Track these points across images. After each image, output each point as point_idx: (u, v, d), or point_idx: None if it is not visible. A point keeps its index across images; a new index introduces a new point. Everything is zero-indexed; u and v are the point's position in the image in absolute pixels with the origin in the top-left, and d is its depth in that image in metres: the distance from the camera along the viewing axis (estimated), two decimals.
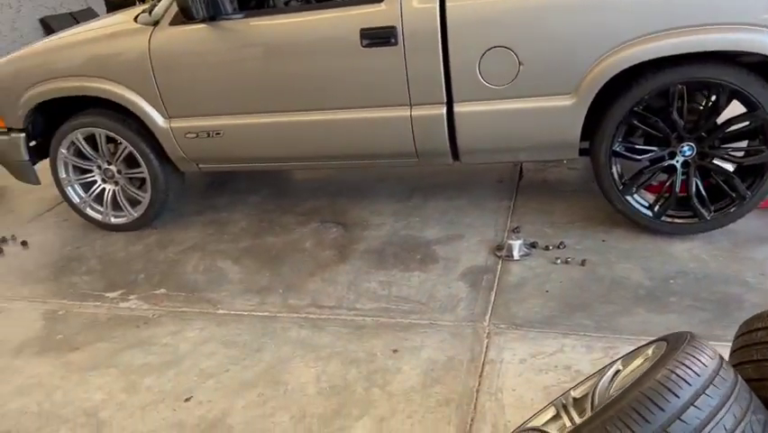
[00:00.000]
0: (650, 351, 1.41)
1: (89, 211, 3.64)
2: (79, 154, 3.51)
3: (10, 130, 3.54)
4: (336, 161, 3.22)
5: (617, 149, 2.74)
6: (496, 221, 3.24)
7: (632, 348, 1.61)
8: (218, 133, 3.18)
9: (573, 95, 2.66)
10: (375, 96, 2.88)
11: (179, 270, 3.17)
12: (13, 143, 3.53)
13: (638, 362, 1.42)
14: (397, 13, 2.70)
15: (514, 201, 3.44)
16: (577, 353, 2.24)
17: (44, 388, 2.41)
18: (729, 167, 2.71)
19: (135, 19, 3.25)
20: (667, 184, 2.77)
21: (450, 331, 2.44)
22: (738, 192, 2.68)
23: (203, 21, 2.95)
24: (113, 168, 3.50)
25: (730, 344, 1.64)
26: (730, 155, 2.70)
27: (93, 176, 3.57)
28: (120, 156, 3.44)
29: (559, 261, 2.81)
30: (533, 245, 2.94)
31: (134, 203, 3.56)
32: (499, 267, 2.83)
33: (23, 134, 3.50)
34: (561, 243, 2.93)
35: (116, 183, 3.55)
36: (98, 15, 7.51)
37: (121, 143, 3.38)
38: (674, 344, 1.28)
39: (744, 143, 2.71)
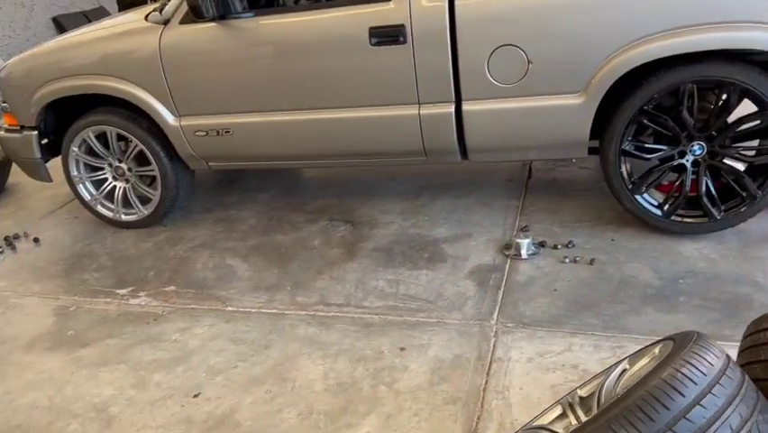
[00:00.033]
0: (657, 350, 1.41)
1: (100, 208, 3.67)
2: (91, 152, 3.54)
3: (23, 128, 3.58)
4: (345, 160, 3.23)
5: (627, 148, 2.73)
6: (504, 220, 3.24)
7: (640, 348, 1.61)
8: (228, 132, 3.20)
9: (582, 93, 2.65)
10: (384, 94, 2.88)
11: (189, 267, 3.19)
12: (26, 141, 3.57)
13: (645, 361, 1.42)
14: (406, 12, 2.70)
15: (523, 200, 3.43)
16: (584, 352, 2.24)
17: (55, 383, 2.44)
18: (740, 166, 2.69)
19: (146, 18, 3.27)
20: (677, 183, 2.76)
21: (457, 329, 2.44)
22: (749, 191, 2.66)
23: (213, 19, 2.97)
24: (123, 166, 3.53)
25: (739, 344, 1.63)
26: (741, 154, 2.68)
27: (104, 174, 3.61)
28: (131, 154, 3.46)
29: (567, 260, 2.80)
30: (541, 244, 2.94)
31: (145, 200, 3.58)
32: (507, 266, 2.83)
33: (36, 132, 3.54)
34: (569, 242, 2.92)
35: (127, 181, 3.57)
36: (110, 14, 7.55)
37: (131, 141, 3.41)
38: (681, 343, 1.28)
39: (755, 142, 2.69)
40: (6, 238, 3.73)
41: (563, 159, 3.71)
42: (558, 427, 1.53)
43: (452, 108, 2.82)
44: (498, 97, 2.75)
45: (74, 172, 3.60)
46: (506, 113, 2.77)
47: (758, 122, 2.57)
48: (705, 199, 2.70)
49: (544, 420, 1.59)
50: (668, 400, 1.11)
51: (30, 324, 2.87)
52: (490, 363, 2.24)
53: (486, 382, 2.15)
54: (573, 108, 2.68)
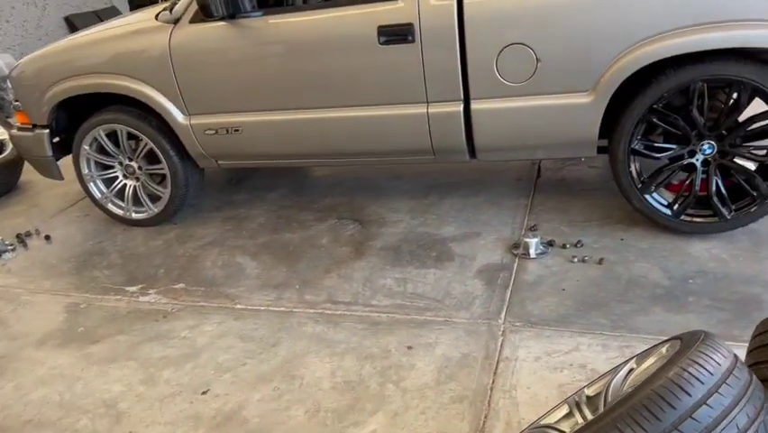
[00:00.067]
0: (664, 349, 1.40)
1: (111, 206, 3.70)
2: (101, 150, 3.57)
3: (35, 126, 3.61)
4: (353, 159, 3.24)
5: (636, 147, 2.72)
6: (513, 219, 3.23)
7: (648, 347, 1.60)
8: (237, 130, 3.21)
9: (592, 92, 2.64)
10: (392, 93, 2.88)
11: (198, 265, 3.21)
12: (38, 140, 3.60)
13: (652, 360, 1.41)
14: (415, 11, 2.70)
15: (531, 199, 3.42)
16: (592, 351, 2.23)
17: (65, 379, 2.46)
18: (751, 165, 2.68)
19: (156, 17, 3.29)
20: (687, 183, 2.74)
21: (465, 328, 2.44)
22: (760, 191, 2.64)
23: (222, 19, 2.98)
24: (134, 164, 3.55)
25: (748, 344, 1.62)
26: (752, 153, 2.66)
27: (114, 172, 3.63)
28: (141, 152, 3.49)
29: (576, 259, 2.79)
30: (550, 244, 2.93)
31: (155, 199, 3.61)
32: (516, 265, 2.82)
33: (47, 131, 3.57)
34: (578, 241, 2.91)
35: (137, 179, 3.60)
36: (121, 13, 7.60)
37: (142, 140, 3.43)
38: (688, 342, 1.27)
39: (766, 142, 2.67)
40: (18, 236, 3.76)
41: (572, 158, 3.70)
42: (564, 426, 1.53)
43: (460, 107, 2.82)
44: (507, 96, 2.74)
45: (85, 171, 3.63)
46: (514, 112, 2.76)
47: None
48: (715, 199, 2.69)
49: (551, 419, 1.59)
50: (674, 400, 1.11)
51: (41, 321, 2.89)
52: (498, 362, 2.24)
53: (493, 381, 2.15)
54: (582, 107, 2.67)
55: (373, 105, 2.94)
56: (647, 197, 2.80)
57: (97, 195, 3.68)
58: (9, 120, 4.70)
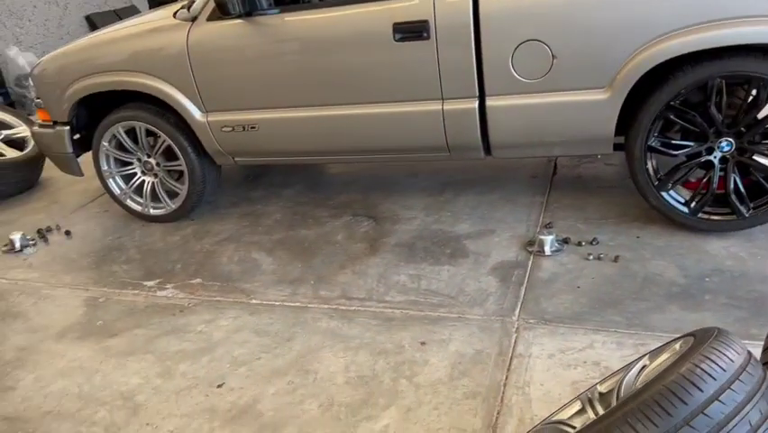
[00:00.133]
0: (677, 346, 1.39)
1: (129, 202, 3.75)
2: (120, 147, 3.62)
3: (55, 123, 3.67)
4: (368, 155, 3.25)
5: (653, 144, 2.70)
6: (528, 216, 3.22)
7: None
8: (253, 127, 3.24)
9: (608, 89, 2.62)
10: (407, 90, 2.89)
11: (215, 260, 3.24)
12: (58, 136, 3.66)
13: (665, 357, 1.41)
14: (430, 7, 2.70)
15: (547, 197, 3.41)
16: (607, 349, 2.22)
17: (84, 371, 2.51)
18: None
19: (174, 15, 3.33)
20: (704, 180, 2.72)
21: (478, 325, 2.45)
22: None
23: (239, 16, 3.01)
24: (152, 160, 3.59)
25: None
26: None
27: (133, 168, 3.68)
28: (159, 149, 3.53)
29: (591, 257, 2.78)
30: (565, 241, 2.92)
31: (172, 195, 3.65)
32: (530, 262, 2.82)
33: (68, 128, 3.63)
34: (594, 239, 2.90)
35: (155, 175, 3.64)
36: (140, 12, 7.68)
37: (160, 137, 3.47)
38: (701, 339, 1.27)
39: None
40: (39, 231, 3.83)
41: (588, 155, 3.68)
42: (577, 422, 1.53)
43: (475, 104, 2.81)
44: (523, 93, 2.73)
45: (104, 167, 3.69)
46: (530, 108, 2.75)
47: None
48: (733, 197, 2.66)
49: (563, 415, 1.59)
50: (686, 395, 1.10)
51: (61, 314, 2.95)
52: (511, 358, 2.24)
53: (506, 378, 2.15)
54: (598, 104, 2.66)
55: (388, 102, 2.95)
56: (664, 194, 2.78)
57: (116, 191, 3.74)
58: (31, 117, 4.78)
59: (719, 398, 1.11)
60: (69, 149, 3.68)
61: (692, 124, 2.62)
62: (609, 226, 3.01)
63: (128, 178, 3.71)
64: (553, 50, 2.61)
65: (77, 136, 3.70)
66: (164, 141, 3.47)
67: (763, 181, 2.63)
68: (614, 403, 1.42)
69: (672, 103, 2.58)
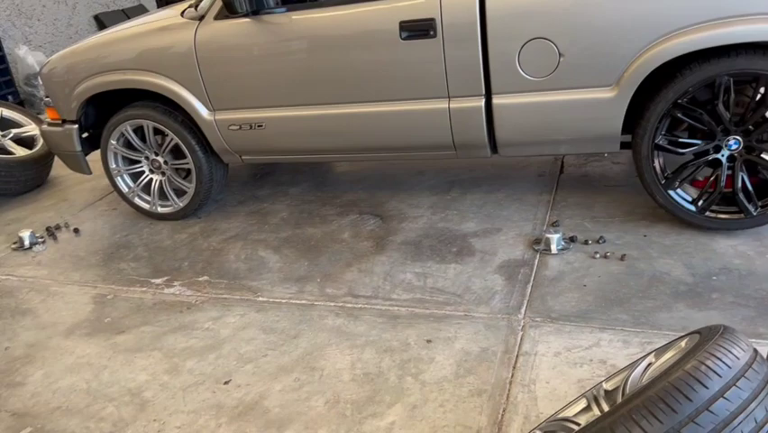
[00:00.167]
0: (683, 343, 1.39)
1: (137, 200, 3.77)
2: (128, 145, 3.64)
3: (64, 122, 3.70)
4: (375, 154, 3.25)
5: (660, 142, 2.69)
6: (535, 215, 3.22)
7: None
8: (260, 126, 3.25)
9: (615, 87, 2.62)
10: (414, 88, 2.89)
11: (222, 258, 3.25)
12: (67, 135, 3.69)
13: (671, 354, 1.41)
14: (437, 6, 2.70)
15: (554, 195, 3.41)
16: (613, 347, 2.22)
17: (92, 368, 2.52)
18: None
19: (182, 14, 3.34)
20: (712, 179, 2.71)
21: (484, 323, 2.45)
22: None
23: (246, 15, 3.02)
24: (160, 159, 3.61)
25: None
26: None
27: (141, 166, 3.70)
28: (167, 147, 3.55)
29: (598, 255, 2.77)
30: (572, 240, 2.92)
31: (180, 193, 3.67)
32: (537, 261, 2.82)
33: (76, 126, 3.65)
34: (600, 237, 2.89)
35: (163, 174, 3.66)
36: (148, 11, 7.72)
37: (167, 135, 3.49)
38: (707, 336, 1.27)
39: None
40: (48, 229, 3.86)
41: (596, 154, 3.67)
42: (582, 419, 1.53)
43: (482, 102, 2.81)
44: (529, 91, 2.73)
45: (112, 165, 3.71)
46: (536, 106, 2.75)
47: None
48: (741, 195, 2.65)
49: (569, 413, 1.59)
50: (691, 392, 1.10)
51: (69, 311, 2.97)
52: (517, 356, 2.24)
53: (512, 376, 2.15)
54: (605, 102, 2.65)
55: (395, 100, 2.96)
56: (671, 193, 2.77)
57: (124, 189, 3.76)
58: (40, 116, 4.82)
59: (725, 395, 1.11)
60: (78, 147, 3.71)
61: (700, 123, 2.61)
62: (616, 225, 3.00)
63: (136, 176, 3.73)
64: (559, 47, 2.61)
65: (85, 135, 3.73)
66: (172, 139, 3.48)
67: None
68: (619, 401, 1.42)
69: (679, 101, 2.57)
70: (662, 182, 2.76)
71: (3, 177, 4.34)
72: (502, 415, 1.99)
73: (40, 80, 3.77)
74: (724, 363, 1.15)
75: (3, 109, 4.78)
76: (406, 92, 2.92)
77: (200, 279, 3.09)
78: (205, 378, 2.37)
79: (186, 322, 2.74)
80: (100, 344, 2.67)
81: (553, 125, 2.79)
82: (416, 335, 2.43)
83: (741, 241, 2.73)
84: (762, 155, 2.61)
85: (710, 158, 2.66)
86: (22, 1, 7.26)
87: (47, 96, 3.72)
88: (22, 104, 6.86)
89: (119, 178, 3.74)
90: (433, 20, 2.72)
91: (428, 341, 2.39)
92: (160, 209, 3.74)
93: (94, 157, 3.78)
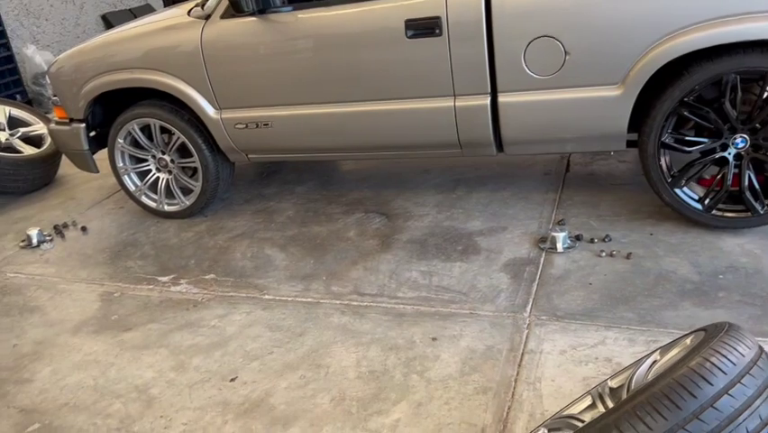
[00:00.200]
0: (688, 341, 1.39)
1: (144, 199, 3.79)
2: (135, 144, 3.66)
3: (71, 121, 3.72)
4: (380, 152, 3.26)
5: (666, 140, 2.68)
6: (541, 213, 3.22)
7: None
8: (266, 124, 3.26)
9: (621, 85, 2.61)
10: (419, 86, 2.89)
11: (228, 256, 3.27)
12: (74, 133, 3.71)
13: (676, 351, 1.41)
14: (442, 4, 2.71)
15: (560, 194, 3.40)
16: (619, 345, 2.21)
17: (100, 365, 2.54)
18: None
19: (188, 13, 3.36)
20: (718, 177, 2.70)
21: (490, 321, 2.45)
22: None
23: (252, 14, 3.03)
24: (166, 157, 3.63)
25: None
26: None
27: (148, 165, 3.72)
28: (173, 146, 3.56)
29: (604, 254, 2.77)
30: (577, 238, 2.91)
31: (187, 192, 3.68)
32: (542, 259, 2.81)
33: (84, 125, 3.67)
34: (606, 236, 2.89)
35: (170, 172, 3.68)
36: (155, 10, 7.75)
37: (174, 134, 3.50)
38: (712, 333, 1.27)
39: None
40: (56, 227, 3.88)
41: (602, 152, 3.66)
42: (587, 416, 1.53)
43: (487, 100, 2.81)
44: (535, 89, 2.73)
45: (119, 164, 3.73)
46: (542, 105, 2.75)
47: None
48: (747, 193, 2.64)
49: (574, 410, 1.59)
50: (695, 389, 1.10)
51: (77, 308, 2.99)
52: (522, 354, 2.24)
53: (517, 373, 2.15)
54: (611, 100, 2.65)
55: (400, 98, 2.96)
56: (678, 191, 2.77)
57: (131, 187, 3.78)
58: (48, 115, 4.85)
59: (729, 392, 1.11)
60: (85, 146, 3.73)
61: (706, 121, 2.60)
62: (622, 223, 2.99)
63: (143, 174, 3.75)
64: (565, 46, 2.60)
65: (92, 133, 3.75)
66: (178, 138, 3.50)
67: None
68: (624, 398, 1.42)
69: (685, 99, 2.57)
70: (669, 181, 2.76)
71: (11, 175, 4.37)
72: (507, 413, 2.00)
73: (47, 79, 3.80)
74: (729, 360, 1.14)
75: (11, 108, 4.81)
76: (411, 90, 2.92)
77: (206, 277, 3.10)
78: (212, 375, 2.38)
79: (192, 320, 2.75)
80: (107, 341, 2.69)
81: (558, 124, 2.79)
82: (422, 333, 2.44)
83: (748, 239, 2.72)
84: None
85: (717, 156, 2.65)
86: (30, 1, 7.30)
87: (54, 95, 3.75)
88: (30, 103, 6.90)
89: (126, 176, 3.76)
90: (438, 18, 2.72)
91: (434, 339, 2.39)
92: (166, 208, 3.75)
93: (101, 156, 3.80)
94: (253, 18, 3.06)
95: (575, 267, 2.72)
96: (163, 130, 3.54)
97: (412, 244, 3.10)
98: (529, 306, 2.51)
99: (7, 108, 4.78)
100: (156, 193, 3.74)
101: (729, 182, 2.66)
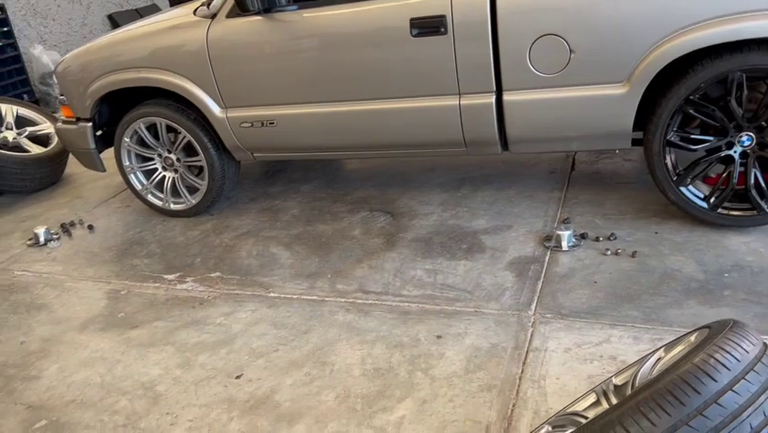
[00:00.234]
0: (692, 338, 1.39)
1: (150, 198, 3.81)
2: (141, 143, 3.68)
3: (78, 120, 3.74)
4: (385, 151, 3.26)
5: (672, 138, 2.67)
6: (546, 212, 3.22)
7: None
8: (272, 123, 3.27)
9: (626, 83, 2.61)
10: (424, 85, 2.90)
11: (234, 254, 3.28)
12: (81, 132, 3.73)
13: (680, 348, 1.41)
14: (447, 3, 2.71)
15: (565, 192, 3.40)
16: (623, 344, 2.21)
17: (106, 362, 2.56)
18: None
19: (194, 12, 3.37)
20: (724, 175, 2.69)
21: (495, 319, 2.45)
22: None
23: (258, 13, 3.04)
24: (172, 156, 3.65)
25: None
26: None
27: (154, 164, 3.73)
28: (179, 145, 3.58)
29: (609, 252, 2.77)
30: (582, 236, 2.91)
31: (193, 190, 3.70)
32: (547, 258, 2.81)
33: (90, 124, 3.69)
34: (611, 234, 2.88)
35: (176, 171, 3.69)
36: (161, 10, 7.77)
37: (180, 133, 3.52)
38: (716, 330, 1.27)
39: None
40: (63, 225, 3.91)
41: (607, 150, 3.66)
42: (591, 414, 1.53)
43: (492, 99, 2.82)
44: (540, 87, 2.73)
45: (126, 163, 3.75)
46: (547, 103, 2.75)
47: None
48: (753, 192, 2.63)
49: (578, 407, 1.59)
50: (699, 385, 1.10)
51: (83, 306, 3.01)
52: (527, 352, 2.24)
53: (522, 371, 2.15)
54: (616, 98, 2.65)
55: (405, 97, 2.97)
56: (683, 189, 2.76)
57: (138, 186, 3.79)
58: (55, 114, 4.88)
59: (733, 388, 1.11)
60: (92, 145, 3.74)
61: (712, 119, 2.60)
62: (627, 222, 2.99)
63: (149, 173, 3.77)
64: (570, 44, 2.60)
65: (99, 132, 3.76)
66: (184, 137, 3.51)
67: None
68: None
69: (691, 97, 2.56)
70: (674, 179, 2.75)
71: (18, 174, 4.40)
72: (512, 410, 2.00)
73: (54, 79, 3.81)
74: (733, 356, 1.14)
75: (18, 108, 4.85)
76: (416, 89, 2.93)
77: (212, 275, 3.11)
78: (217, 372, 2.39)
79: (198, 317, 2.77)
80: (114, 338, 2.71)
81: (563, 122, 2.78)
82: (427, 330, 2.44)
83: (753, 238, 2.71)
84: None
85: (723, 154, 2.65)
86: (38, 1, 7.34)
87: (61, 95, 3.77)
88: (37, 102, 6.94)
89: (132, 175, 3.78)
90: (443, 17, 2.72)
91: (438, 337, 2.40)
92: (172, 206, 3.77)
93: (108, 155, 3.82)
94: (259, 17, 3.07)
95: (580, 265, 2.72)
96: (169, 129, 3.56)
97: (417, 243, 3.10)
98: (534, 304, 2.51)
99: (15, 108, 4.82)
100: (162, 192, 3.75)
101: (735, 180, 2.65)
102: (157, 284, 3.11)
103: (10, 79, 6.83)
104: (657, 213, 3.01)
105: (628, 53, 2.55)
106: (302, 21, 3.02)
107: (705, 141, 2.65)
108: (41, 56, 6.98)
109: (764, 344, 1.23)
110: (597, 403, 1.56)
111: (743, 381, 1.12)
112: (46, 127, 4.81)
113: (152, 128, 3.59)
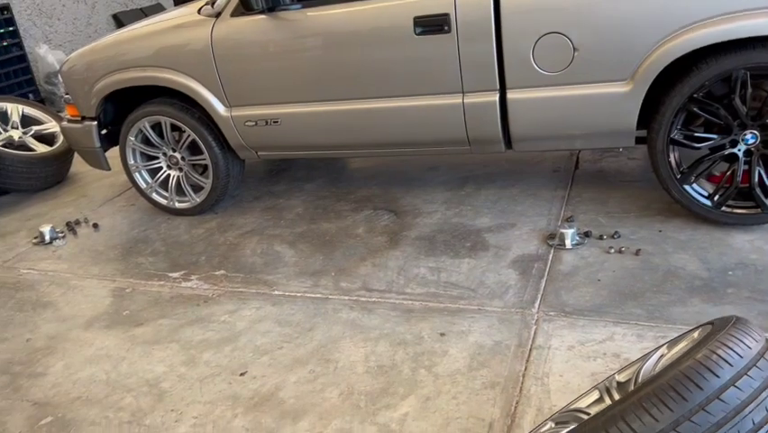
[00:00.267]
0: (695, 334, 1.40)
1: (155, 196, 3.82)
2: (146, 142, 3.69)
3: (83, 119, 3.75)
4: (389, 149, 3.27)
5: (676, 137, 2.67)
6: (549, 210, 3.22)
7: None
8: (276, 122, 3.28)
9: (630, 81, 2.61)
10: (428, 83, 2.90)
11: (238, 252, 3.29)
12: (86, 131, 3.74)
13: (683, 345, 1.41)
14: (451, 1, 2.71)
15: (569, 191, 3.40)
16: (627, 341, 2.22)
17: (111, 359, 2.57)
18: None
19: (199, 11, 3.38)
20: (728, 174, 2.69)
21: (498, 317, 2.46)
22: None
23: (262, 12, 3.05)
24: (177, 155, 3.66)
25: None
26: None
27: (159, 162, 3.75)
28: (184, 143, 3.59)
29: (612, 250, 2.77)
30: (586, 235, 2.91)
31: (197, 189, 3.71)
32: (551, 256, 2.82)
33: (95, 123, 3.71)
34: (615, 232, 2.88)
35: (180, 169, 3.71)
36: (166, 9, 7.78)
37: (185, 131, 3.53)
38: (719, 326, 1.27)
39: None
40: (68, 224, 3.92)
41: (611, 148, 3.65)
42: (594, 410, 1.53)
43: (496, 97, 2.82)
44: (543, 86, 2.73)
45: (131, 161, 3.76)
46: (551, 101, 2.75)
47: None
48: (757, 190, 2.63)
49: (581, 404, 1.60)
50: (702, 381, 1.11)
51: (89, 304, 3.02)
52: (530, 350, 2.25)
53: (525, 369, 2.16)
54: (620, 96, 2.65)
55: (409, 95, 2.97)
56: (687, 187, 2.76)
57: (142, 185, 3.81)
58: (60, 113, 4.90)
59: (736, 384, 1.11)
60: (97, 144, 3.76)
61: (716, 117, 2.59)
62: (631, 220, 2.99)
63: (154, 172, 3.78)
64: (574, 42, 2.60)
65: (104, 131, 3.78)
66: (189, 135, 3.53)
67: None
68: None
69: (695, 95, 2.56)
70: (678, 177, 2.75)
71: (24, 173, 4.42)
72: (515, 407, 2.00)
73: (60, 78, 3.83)
74: (735, 352, 1.15)
75: (24, 107, 4.87)
76: (420, 87, 2.93)
77: (217, 273, 3.13)
78: (222, 369, 2.40)
79: (203, 315, 2.78)
80: (119, 336, 2.72)
81: (567, 120, 2.79)
82: (430, 328, 2.45)
83: (757, 236, 2.71)
84: None
85: (726, 152, 2.65)
86: (43, 0, 7.36)
87: (67, 94, 3.78)
88: (42, 101, 6.97)
89: (137, 174, 3.79)
90: (447, 15, 2.73)
91: (442, 334, 2.40)
92: (177, 205, 3.78)
93: (113, 153, 3.84)
94: (263, 16, 3.08)
95: (584, 263, 2.72)
96: (174, 127, 3.57)
97: (420, 241, 3.11)
98: (537, 302, 2.51)
99: (20, 107, 4.84)
100: (167, 190, 3.77)
101: (739, 179, 2.65)
102: (161, 282, 3.12)
103: (15, 79, 6.85)
104: (661, 211, 3.00)
105: (632, 51, 2.55)
106: (306, 20, 3.03)
107: (709, 139, 2.65)
108: (46, 55, 7.01)
109: (767, 340, 1.23)
110: (600, 400, 1.57)
111: (745, 376, 1.12)
112: (51, 126, 4.83)
113: (157, 127, 3.61)
